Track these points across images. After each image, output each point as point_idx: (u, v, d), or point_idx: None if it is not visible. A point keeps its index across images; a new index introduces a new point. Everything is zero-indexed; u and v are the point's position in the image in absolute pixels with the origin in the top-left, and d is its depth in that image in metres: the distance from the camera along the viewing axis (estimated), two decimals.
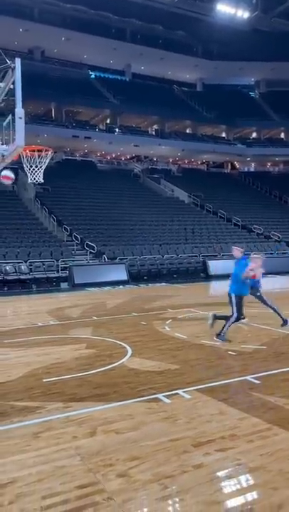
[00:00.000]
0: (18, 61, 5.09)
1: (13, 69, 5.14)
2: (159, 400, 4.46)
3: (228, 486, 2.95)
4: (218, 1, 33.26)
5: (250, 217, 27.40)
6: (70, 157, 32.90)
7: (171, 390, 4.72)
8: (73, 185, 26.25)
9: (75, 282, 16.00)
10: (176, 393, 4.64)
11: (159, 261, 19.08)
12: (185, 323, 8.64)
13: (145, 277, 17.86)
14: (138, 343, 6.97)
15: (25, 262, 16.69)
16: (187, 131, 39.07)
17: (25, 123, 5.29)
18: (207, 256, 20.23)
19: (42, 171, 8.11)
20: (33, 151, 8.15)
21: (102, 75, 39.32)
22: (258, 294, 8.10)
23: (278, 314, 8.00)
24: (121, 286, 15.95)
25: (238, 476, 3.05)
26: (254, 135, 41.68)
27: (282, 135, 41.30)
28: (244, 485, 2.96)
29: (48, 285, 16.20)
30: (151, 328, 8.32)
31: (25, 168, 8.34)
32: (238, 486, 2.95)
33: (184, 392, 4.67)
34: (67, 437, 3.67)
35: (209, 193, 29.89)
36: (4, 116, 6.25)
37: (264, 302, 8.11)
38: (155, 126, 38.26)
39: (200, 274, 18.90)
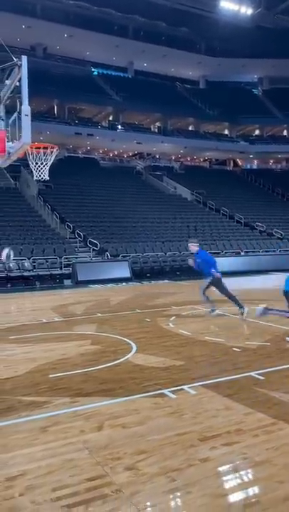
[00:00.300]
0: (24, 59, 5.12)
1: (20, 66, 5.17)
2: (164, 396, 4.51)
3: (235, 479, 2.99)
4: None
5: (252, 214, 27.40)
6: (72, 154, 32.92)
7: (177, 386, 4.77)
8: (76, 183, 26.29)
9: (79, 279, 16.05)
10: (182, 389, 4.68)
11: (161, 258, 19.11)
12: (189, 320, 8.68)
13: (148, 274, 17.90)
14: (142, 340, 7.02)
15: (29, 258, 16.75)
16: (190, 128, 39.05)
17: None
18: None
19: (47, 168, 8.15)
20: (39, 148, 8.19)
21: (104, 72, 39.28)
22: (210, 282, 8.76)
23: (209, 301, 8.90)
24: (124, 284, 16.00)
25: (244, 470, 3.09)
26: (257, 132, 41.62)
27: (285, 132, 41.26)
28: (250, 478, 3.00)
29: (52, 282, 16.27)
30: (155, 324, 8.36)
31: (31, 166, 8.37)
32: (245, 480, 2.99)
33: (189, 387, 4.72)
34: (74, 431, 3.72)
35: (212, 190, 29.87)
36: (10, 114, 6.28)
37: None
38: (158, 124, 38.22)
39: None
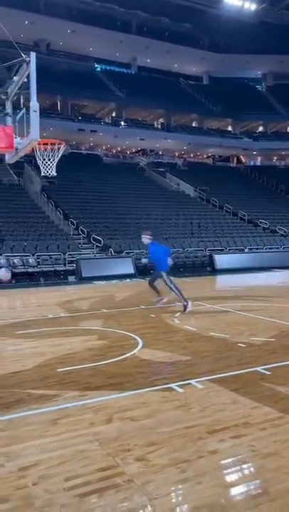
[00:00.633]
0: (33, 55, 5.15)
1: (28, 63, 5.20)
2: (172, 390, 4.56)
3: (243, 471, 3.04)
4: None
5: (256, 211, 27.38)
6: (75, 150, 32.93)
7: (184, 380, 4.82)
8: (79, 179, 26.33)
9: (83, 275, 16.12)
10: (189, 383, 4.74)
11: None
12: (194, 316, 8.72)
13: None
14: (148, 335, 7.07)
15: (33, 255, 16.82)
16: (193, 124, 38.98)
17: None
18: (213, 250, 20.28)
19: (55, 164, 8.20)
20: (46, 144, 8.23)
21: (107, 68, 39.22)
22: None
23: (155, 291, 9.49)
24: (128, 280, 16.06)
25: (252, 462, 3.14)
26: (261, 129, 41.52)
27: None
28: (259, 470, 3.05)
29: (56, 278, 16.34)
30: (160, 320, 8.41)
31: (38, 162, 8.42)
32: (253, 471, 3.04)
33: (196, 382, 4.77)
34: (84, 424, 3.77)
35: (215, 187, 29.86)
36: (17, 110, 6.32)
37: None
38: (161, 120, 38.17)
39: (206, 268, 18.95)
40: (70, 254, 17.58)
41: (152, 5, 34.21)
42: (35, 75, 5.10)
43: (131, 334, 7.15)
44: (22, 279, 15.73)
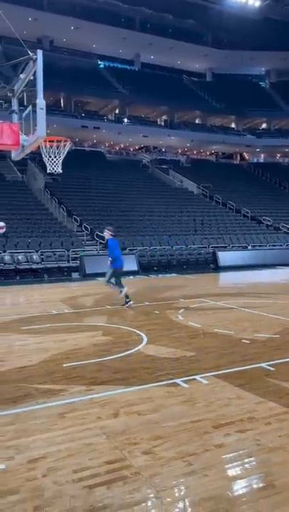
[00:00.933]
0: (39, 53, 5.18)
1: (35, 60, 5.23)
2: (177, 385, 4.61)
3: (249, 464, 3.08)
4: None
5: (259, 208, 27.35)
6: (79, 147, 32.89)
7: (189, 376, 4.86)
8: (82, 176, 26.34)
9: (86, 272, 16.18)
10: (194, 378, 4.78)
11: (168, 252, 19.19)
12: (198, 313, 8.77)
13: (155, 268, 18.00)
14: (152, 331, 7.12)
15: (37, 251, 16.89)
16: (196, 121, 38.87)
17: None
18: (217, 247, 20.29)
19: (60, 161, 8.24)
20: (52, 141, 8.27)
21: (111, 65, 39.15)
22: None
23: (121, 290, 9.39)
24: (131, 277, 16.08)
25: (258, 455, 3.18)
26: (264, 126, 41.37)
27: None
28: (264, 463, 3.09)
29: (60, 275, 16.41)
30: (164, 317, 8.46)
31: (44, 159, 8.47)
32: (258, 465, 3.08)
33: (201, 377, 4.81)
34: (91, 418, 3.82)
35: (218, 184, 29.82)
36: (23, 107, 6.35)
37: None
38: (164, 117, 38.09)
39: (210, 265, 18.99)
40: (74, 251, 17.64)
41: (156, 1, 34.09)
42: (41, 73, 5.14)
43: (135, 330, 7.20)
44: (26, 275, 15.81)
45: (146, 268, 17.64)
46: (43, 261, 16.62)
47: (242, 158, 40.77)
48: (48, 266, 16.58)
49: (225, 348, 6.10)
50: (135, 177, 29.14)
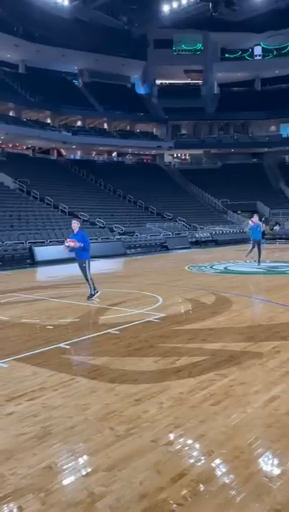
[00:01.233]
0: None
1: None
2: None
3: (34, 419, 3.72)
4: None
5: (76, 203, 28.57)
6: None
7: None
8: None
9: None
10: None
11: None
12: (8, 307, 9.04)
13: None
14: None
15: None
16: (10, 114, 37.78)
17: None
18: (34, 242, 20.52)
19: None
20: None
21: None
22: (83, 265, 9.43)
23: (90, 287, 9.37)
24: None
25: (42, 414, 3.85)
26: (79, 123, 42.94)
27: (106, 126, 43.63)
28: (47, 418, 3.77)
29: None
30: None
31: None
32: (45, 418, 3.74)
33: (1, 362, 5.25)
34: None
35: (36, 179, 29.88)
36: None
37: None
38: None
39: (26, 260, 19.12)
40: None
41: None
42: None
43: None
44: None
45: None
46: None
47: (59, 154, 41.54)
48: None
49: (29, 335, 6.65)
50: None
